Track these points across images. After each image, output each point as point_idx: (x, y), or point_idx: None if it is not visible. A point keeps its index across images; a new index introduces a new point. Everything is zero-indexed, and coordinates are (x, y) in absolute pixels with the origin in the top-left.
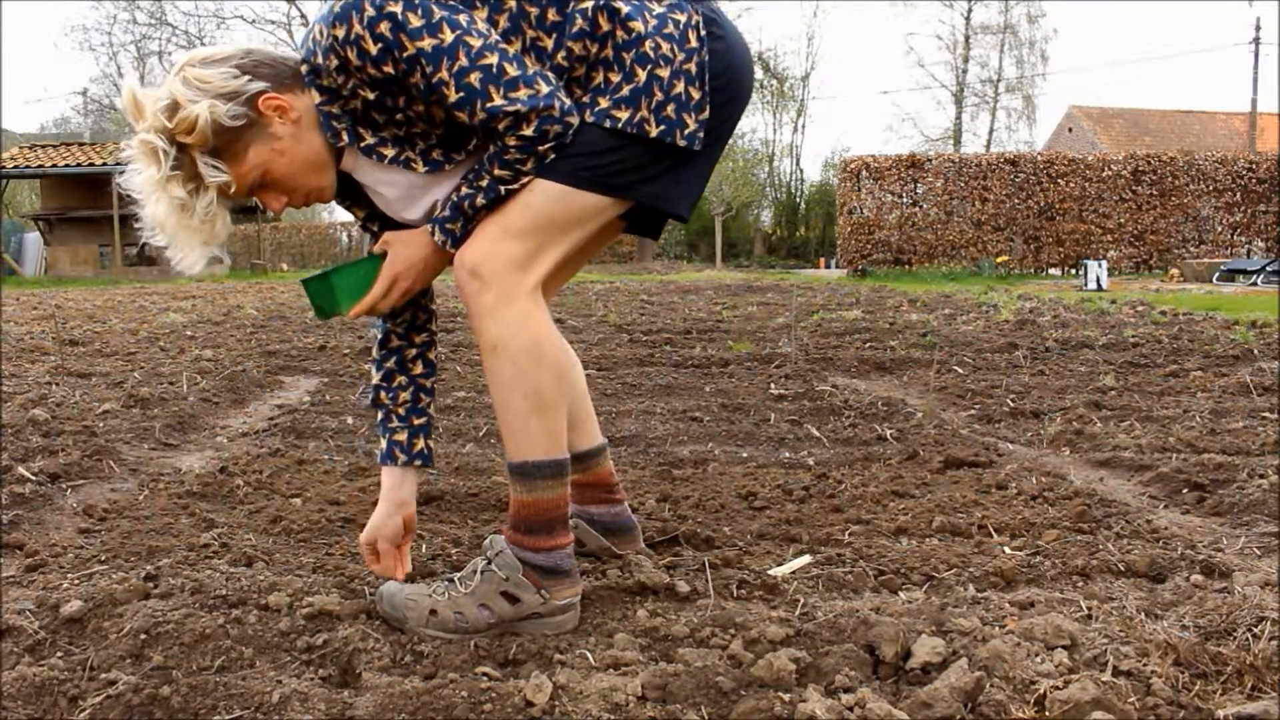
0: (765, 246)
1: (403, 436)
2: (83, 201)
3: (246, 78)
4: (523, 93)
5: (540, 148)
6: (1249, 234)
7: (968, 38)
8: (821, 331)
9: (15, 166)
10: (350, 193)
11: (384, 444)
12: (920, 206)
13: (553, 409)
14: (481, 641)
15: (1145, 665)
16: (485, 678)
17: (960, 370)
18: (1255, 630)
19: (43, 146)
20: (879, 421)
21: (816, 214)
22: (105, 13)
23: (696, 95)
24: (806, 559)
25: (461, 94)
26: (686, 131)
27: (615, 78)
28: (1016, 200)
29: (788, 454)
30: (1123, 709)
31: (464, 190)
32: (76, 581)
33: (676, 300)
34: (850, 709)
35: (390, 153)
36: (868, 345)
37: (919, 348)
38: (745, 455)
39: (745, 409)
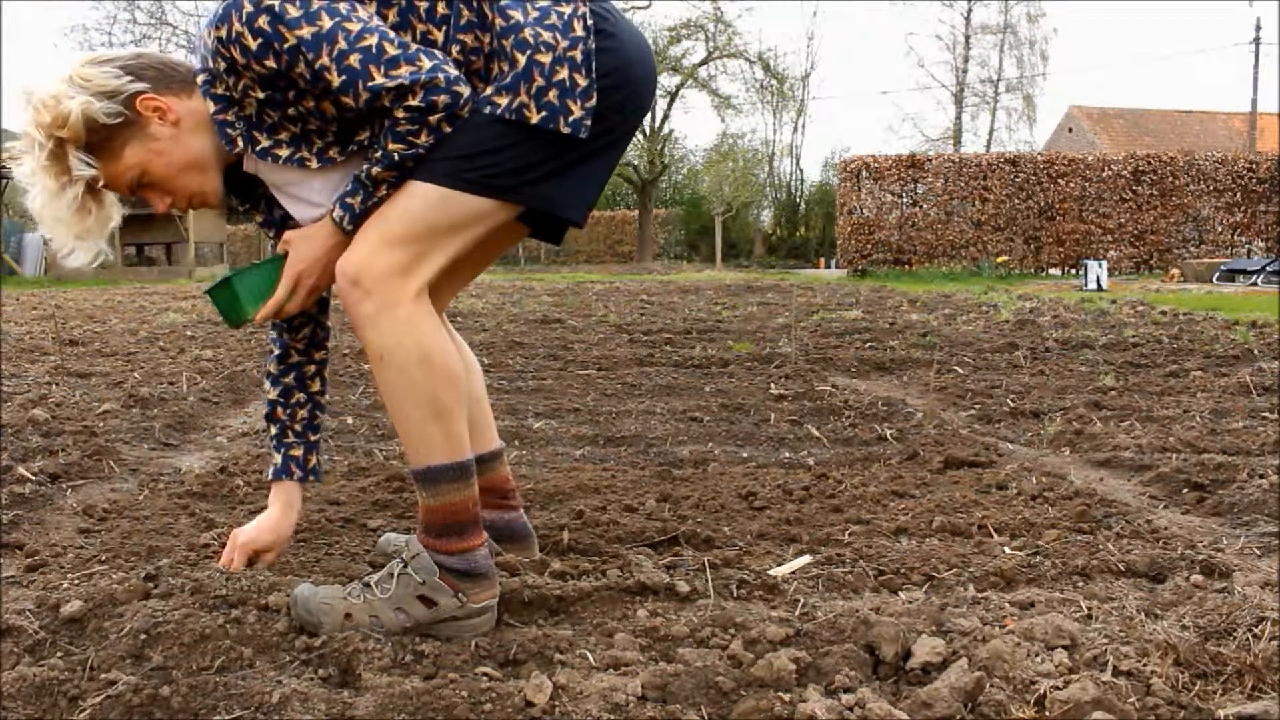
0: (765, 246)
1: (298, 452)
2: None
3: (129, 78)
4: (404, 70)
5: (431, 118)
6: (1249, 234)
7: (968, 38)
8: (821, 331)
9: None
10: (249, 196)
11: (279, 459)
12: (920, 206)
13: (448, 413)
14: (482, 642)
15: (1145, 665)
16: (485, 678)
17: (960, 370)
18: (1255, 630)
19: None
20: (879, 421)
21: (816, 214)
22: (105, 13)
23: (583, 82)
24: (806, 559)
25: (344, 77)
26: (571, 118)
27: (505, 67)
28: (1016, 200)
29: (788, 454)
30: (1123, 709)
31: (364, 166)
32: (76, 581)
33: (676, 300)
34: (850, 709)
35: (285, 153)
36: (868, 345)
37: (919, 348)
38: (745, 455)
39: (745, 409)
